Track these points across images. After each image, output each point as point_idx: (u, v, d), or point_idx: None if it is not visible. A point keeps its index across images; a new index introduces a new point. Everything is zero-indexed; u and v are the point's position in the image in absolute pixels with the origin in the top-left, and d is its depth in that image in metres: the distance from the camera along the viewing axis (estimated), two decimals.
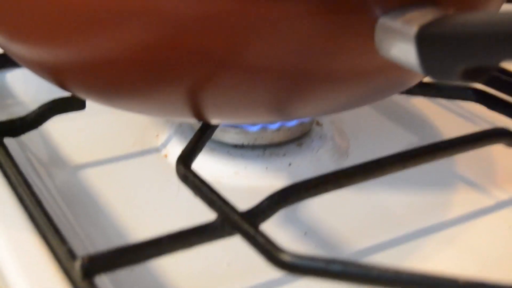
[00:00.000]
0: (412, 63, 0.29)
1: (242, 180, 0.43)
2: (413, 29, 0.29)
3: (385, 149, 0.42)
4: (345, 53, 0.32)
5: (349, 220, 0.40)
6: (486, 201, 0.42)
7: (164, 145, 0.46)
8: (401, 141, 0.49)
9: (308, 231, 0.39)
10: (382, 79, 0.35)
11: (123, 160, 0.45)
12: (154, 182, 0.43)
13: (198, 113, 0.35)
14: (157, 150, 0.46)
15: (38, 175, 0.42)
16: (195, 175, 0.34)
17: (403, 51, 0.30)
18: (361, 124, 0.51)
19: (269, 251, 0.29)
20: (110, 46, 0.30)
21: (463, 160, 0.46)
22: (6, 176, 0.38)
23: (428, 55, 0.29)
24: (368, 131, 0.50)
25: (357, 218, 0.40)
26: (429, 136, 0.50)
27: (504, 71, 0.51)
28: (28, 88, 0.50)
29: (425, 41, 0.28)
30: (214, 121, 0.37)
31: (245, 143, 0.45)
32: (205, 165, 0.43)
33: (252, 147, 0.45)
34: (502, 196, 0.43)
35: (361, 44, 0.32)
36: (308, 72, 0.33)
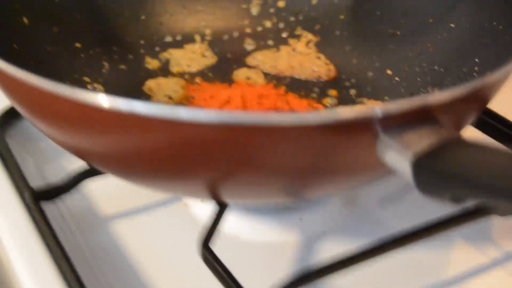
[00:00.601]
0: (408, 179, 0.33)
1: (258, 235, 0.47)
2: (410, 155, 0.32)
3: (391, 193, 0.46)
4: (350, 159, 0.36)
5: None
6: (482, 259, 0.45)
7: None
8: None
9: None
10: (385, 170, 0.39)
11: (147, 209, 0.49)
12: (175, 233, 0.46)
13: (214, 198, 0.39)
14: (178, 198, 0.50)
15: (69, 228, 0.46)
16: (214, 257, 0.38)
17: (400, 168, 0.33)
18: None
19: None
20: (149, 153, 0.34)
21: None
22: (42, 235, 0.42)
23: (421, 179, 0.32)
24: None
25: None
26: None
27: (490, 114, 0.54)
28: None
29: (419, 169, 0.32)
30: (228, 202, 0.40)
31: None
32: (225, 222, 0.47)
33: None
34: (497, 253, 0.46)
35: (365, 152, 0.35)
36: (318, 172, 0.36)
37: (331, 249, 0.45)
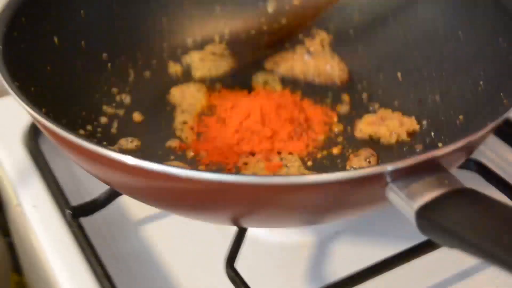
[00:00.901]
0: (413, 224, 0.37)
1: (275, 237, 0.51)
2: (414, 207, 0.36)
3: None
4: (361, 201, 0.40)
5: None
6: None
7: None
8: None
9: None
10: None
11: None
12: (204, 237, 0.50)
13: (237, 225, 0.44)
14: None
15: (103, 235, 0.50)
16: (239, 277, 0.43)
17: (405, 213, 0.37)
18: None
19: None
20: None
21: None
22: (81, 246, 0.47)
23: (423, 228, 0.36)
24: None
25: None
26: None
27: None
28: None
29: (422, 220, 0.36)
30: (250, 227, 0.45)
31: None
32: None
33: None
34: None
35: (375, 196, 0.39)
36: (333, 210, 0.41)
37: (345, 249, 0.49)
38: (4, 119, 0.59)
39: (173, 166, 0.35)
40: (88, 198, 0.49)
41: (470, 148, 0.41)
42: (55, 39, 0.53)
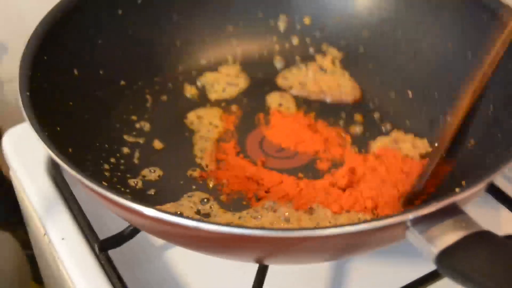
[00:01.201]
0: (434, 264, 0.39)
1: None
2: (434, 252, 0.38)
3: None
4: (382, 242, 0.42)
5: None
6: None
7: None
8: None
9: None
10: None
11: None
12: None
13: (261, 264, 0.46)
14: None
15: (128, 261, 0.52)
16: None
17: (426, 255, 0.39)
18: None
19: None
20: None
21: None
22: (108, 276, 0.49)
23: (442, 270, 0.38)
24: None
25: None
26: None
27: None
28: None
29: (441, 264, 0.38)
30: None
31: None
32: None
33: None
34: None
35: (395, 238, 0.41)
36: (354, 251, 0.43)
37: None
38: (27, 146, 0.60)
39: (190, 218, 0.37)
40: (112, 225, 0.51)
41: (487, 187, 0.42)
42: (75, 71, 0.54)
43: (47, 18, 0.52)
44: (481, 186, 0.40)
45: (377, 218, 0.41)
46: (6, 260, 0.81)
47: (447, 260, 0.37)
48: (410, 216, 0.38)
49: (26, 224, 0.65)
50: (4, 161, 0.62)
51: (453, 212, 0.39)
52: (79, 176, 0.40)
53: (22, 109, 0.44)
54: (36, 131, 0.43)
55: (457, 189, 0.40)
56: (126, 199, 0.39)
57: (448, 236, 0.38)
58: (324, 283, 0.50)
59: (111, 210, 0.44)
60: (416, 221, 0.39)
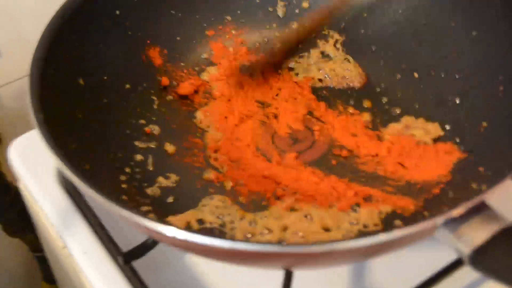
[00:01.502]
0: (466, 262, 0.39)
1: None
2: (466, 251, 0.38)
3: None
4: (409, 243, 0.42)
5: None
6: None
7: None
8: None
9: None
10: None
11: None
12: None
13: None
14: None
15: (152, 271, 0.52)
16: None
17: (458, 253, 0.39)
18: None
19: None
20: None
21: None
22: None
23: (478, 270, 0.39)
24: None
25: None
26: None
27: None
28: None
29: (474, 262, 0.38)
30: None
31: None
32: None
33: None
34: None
35: (424, 238, 0.41)
36: (380, 254, 0.43)
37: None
38: (35, 156, 0.59)
39: (219, 237, 0.38)
40: (129, 234, 0.51)
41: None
42: (80, 80, 0.53)
43: (46, 33, 0.50)
44: (508, 179, 0.40)
45: (408, 223, 0.40)
46: (16, 265, 0.81)
47: (480, 261, 0.38)
48: (441, 220, 0.38)
49: (39, 233, 0.65)
50: (8, 169, 0.62)
51: (481, 209, 0.39)
52: (101, 199, 0.40)
53: (40, 133, 0.43)
54: (57, 155, 0.42)
55: (483, 186, 0.40)
56: (153, 220, 0.38)
57: (478, 234, 0.38)
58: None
59: (136, 229, 0.44)
60: (446, 221, 0.39)
